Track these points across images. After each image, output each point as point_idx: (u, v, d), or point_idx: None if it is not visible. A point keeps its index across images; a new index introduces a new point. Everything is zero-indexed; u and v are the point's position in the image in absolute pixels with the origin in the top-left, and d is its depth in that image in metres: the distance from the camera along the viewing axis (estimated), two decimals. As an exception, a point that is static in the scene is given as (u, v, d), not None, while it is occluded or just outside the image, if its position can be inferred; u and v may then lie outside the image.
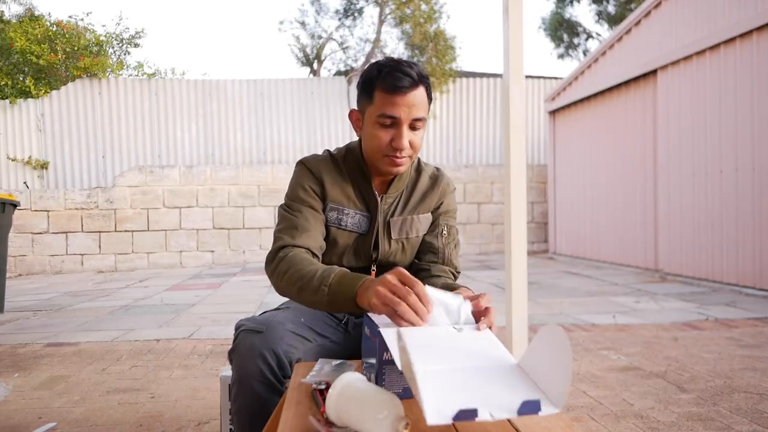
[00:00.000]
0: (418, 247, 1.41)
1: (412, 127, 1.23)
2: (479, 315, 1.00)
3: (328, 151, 1.39)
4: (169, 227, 8.06)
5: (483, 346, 0.92)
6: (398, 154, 1.24)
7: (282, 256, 1.20)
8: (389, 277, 0.94)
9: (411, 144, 1.24)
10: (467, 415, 0.70)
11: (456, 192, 1.51)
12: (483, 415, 0.71)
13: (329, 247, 1.35)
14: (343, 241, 1.34)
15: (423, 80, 1.23)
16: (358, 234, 1.35)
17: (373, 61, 1.27)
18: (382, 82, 1.21)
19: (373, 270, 1.38)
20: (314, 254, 1.25)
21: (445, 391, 0.74)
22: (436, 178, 1.42)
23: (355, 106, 1.34)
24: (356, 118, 1.31)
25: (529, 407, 0.73)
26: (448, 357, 0.87)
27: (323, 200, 1.32)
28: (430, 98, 1.27)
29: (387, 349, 0.89)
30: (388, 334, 0.89)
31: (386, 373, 0.93)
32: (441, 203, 1.42)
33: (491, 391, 0.77)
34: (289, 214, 1.28)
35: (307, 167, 1.34)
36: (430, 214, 1.41)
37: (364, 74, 1.26)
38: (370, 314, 1.01)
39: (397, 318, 0.91)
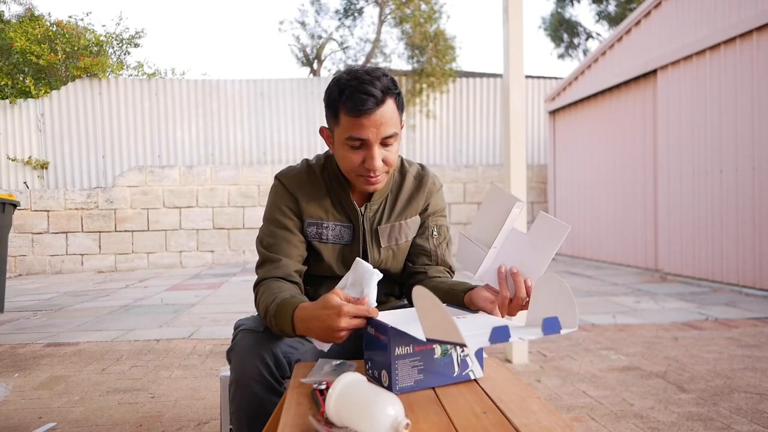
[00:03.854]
0: (411, 251, 1.38)
1: (384, 144, 1.18)
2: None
3: (307, 160, 1.36)
4: (169, 227, 8.06)
5: (488, 320, 1.03)
6: (372, 174, 1.19)
7: (256, 292, 1.22)
8: (318, 312, 1.02)
9: (385, 161, 1.20)
10: (500, 334, 0.81)
11: (443, 189, 1.46)
12: (514, 337, 0.83)
13: (316, 260, 1.33)
14: (327, 254, 1.31)
15: (389, 92, 1.16)
16: (341, 245, 1.32)
17: (335, 76, 1.22)
18: (345, 105, 1.14)
19: None
20: (291, 280, 1.25)
21: (471, 329, 0.86)
22: (421, 178, 1.37)
23: None
24: (327, 136, 1.26)
25: (552, 326, 0.86)
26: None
27: (300, 217, 1.30)
28: (401, 108, 1.22)
29: (400, 345, 0.94)
30: (404, 329, 0.93)
31: (399, 367, 0.94)
32: (428, 204, 1.37)
33: (512, 326, 0.88)
34: (265, 247, 1.27)
35: (282, 184, 1.31)
36: (418, 216, 1.37)
37: (327, 92, 1.19)
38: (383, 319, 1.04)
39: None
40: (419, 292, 0.83)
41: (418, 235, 1.38)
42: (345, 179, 1.30)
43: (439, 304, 0.80)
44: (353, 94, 1.13)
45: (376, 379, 1.00)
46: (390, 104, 1.16)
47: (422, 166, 1.41)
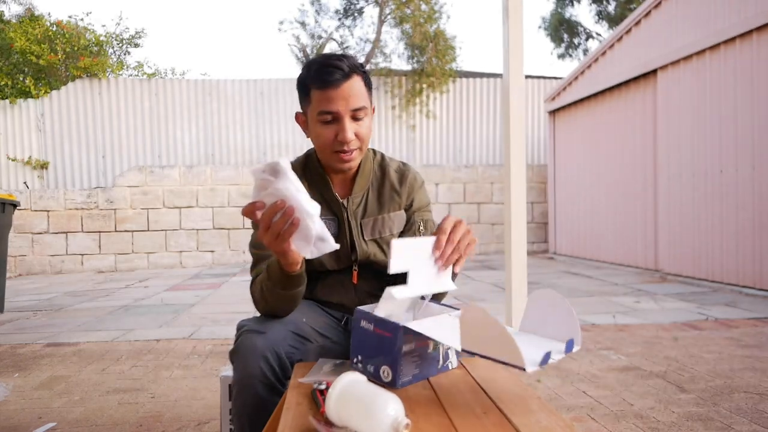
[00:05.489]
0: None
1: (355, 118, 1.22)
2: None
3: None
4: (169, 227, 8.06)
5: None
6: (345, 148, 1.23)
7: (252, 290, 1.27)
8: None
9: (357, 135, 1.23)
10: (546, 358, 0.86)
11: (425, 185, 1.49)
12: (552, 359, 0.88)
13: (307, 258, 1.35)
14: None
15: (356, 70, 1.21)
16: None
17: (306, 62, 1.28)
18: (314, 80, 1.20)
19: (355, 270, 1.37)
20: None
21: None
22: (403, 172, 1.40)
23: None
24: (302, 121, 1.31)
25: (570, 346, 0.93)
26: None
27: None
28: (369, 87, 1.26)
29: (406, 342, 0.95)
30: (417, 325, 0.95)
31: (403, 363, 0.96)
32: (412, 200, 1.40)
33: (539, 345, 0.94)
34: (255, 248, 1.32)
35: None
36: (403, 211, 1.39)
37: (298, 76, 1.26)
38: (372, 311, 1.02)
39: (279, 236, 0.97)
40: (471, 309, 0.86)
41: (405, 231, 1.40)
42: (325, 171, 1.33)
43: (498, 324, 0.82)
44: (321, 68, 1.19)
45: (371, 375, 0.99)
46: (357, 80, 1.21)
47: (404, 163, 1.44)
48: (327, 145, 1.24)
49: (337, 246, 0.99)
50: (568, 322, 0.95)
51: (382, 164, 1.40)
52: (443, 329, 0.96)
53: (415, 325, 0.95)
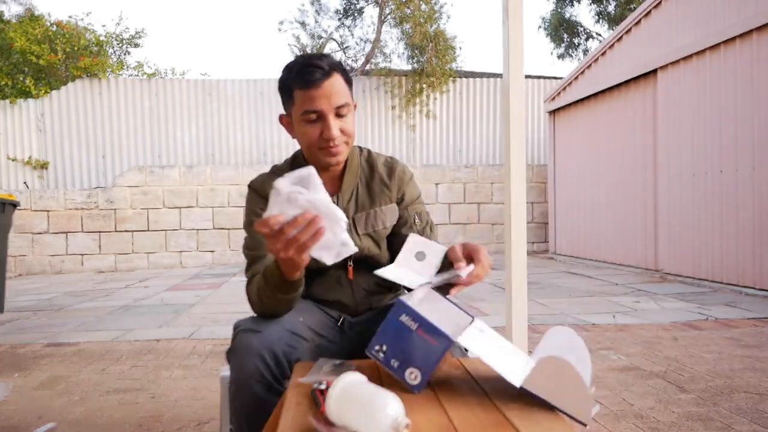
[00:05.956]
0: (399, 242, 1.37)
1: (338, 115, 1.24)
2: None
3: (275, 166, 1.42)
4: (169, 227, 8.06)
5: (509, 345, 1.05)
6: (332, 144, 1.24)
7: (248, 291, 1.26)
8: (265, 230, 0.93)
9: (343, 131, 1.25)
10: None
11: (414, 178, 1.51)
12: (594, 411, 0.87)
13: None
14: None
15: (336, 67, 1.23)
16: None
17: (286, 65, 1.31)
18: (296, 81, 1.22)
19: (350, 266, 1.38)
20: None
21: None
22: (391, 166, 1.42)
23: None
24: (287, 123, 1.32)
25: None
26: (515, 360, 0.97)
27: None
28: (350, 83, 1.28)
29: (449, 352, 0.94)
30: (474, 345, 0.93)
31: (435, 371, 0.96)
32: (403, 195, 1.41)
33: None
34: (249, 249, 1.31)
35: (254, 190, 1.35)
36: (395, 204, 1.40)
37: (280, 79, 1.28)
38: (416, 307, 0.95)
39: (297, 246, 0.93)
40: (557, 360, 0.85)
41: (400, 226, 1.41)
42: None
43: (581, 380, 0.80)
44: (302, 69, 1.21)
45: (392, 369, 0.95)
46: (338, 77, 1.23)
47: (391, 157, 1.45)
48: (313, 143, 1.26)
49: (356, 249, 0.97)
50: (583, 367, 0.91)
51: (369, 159, 1.42)
52: (502, 357, 0.93)
53: (472, 345, 0.92)
